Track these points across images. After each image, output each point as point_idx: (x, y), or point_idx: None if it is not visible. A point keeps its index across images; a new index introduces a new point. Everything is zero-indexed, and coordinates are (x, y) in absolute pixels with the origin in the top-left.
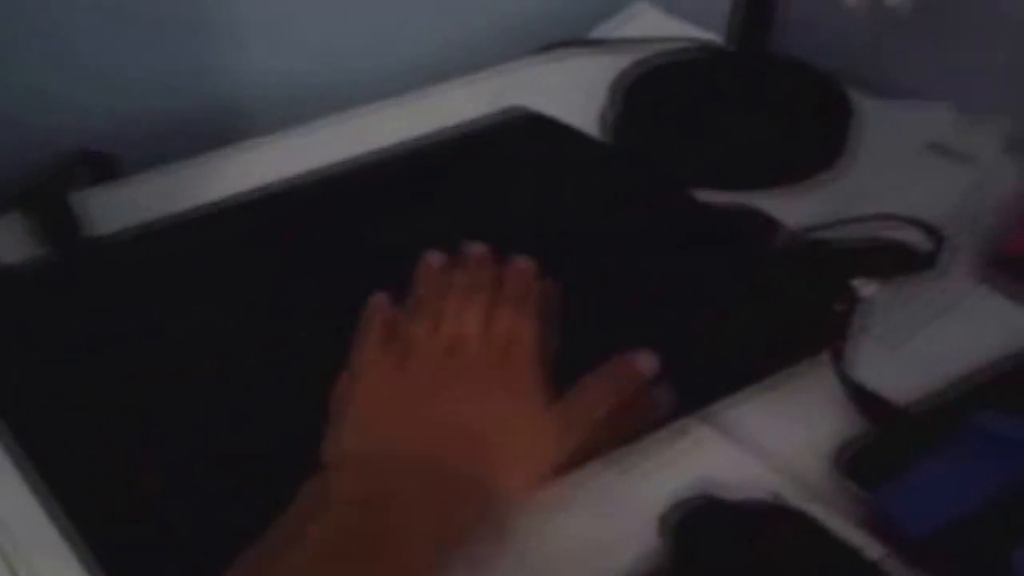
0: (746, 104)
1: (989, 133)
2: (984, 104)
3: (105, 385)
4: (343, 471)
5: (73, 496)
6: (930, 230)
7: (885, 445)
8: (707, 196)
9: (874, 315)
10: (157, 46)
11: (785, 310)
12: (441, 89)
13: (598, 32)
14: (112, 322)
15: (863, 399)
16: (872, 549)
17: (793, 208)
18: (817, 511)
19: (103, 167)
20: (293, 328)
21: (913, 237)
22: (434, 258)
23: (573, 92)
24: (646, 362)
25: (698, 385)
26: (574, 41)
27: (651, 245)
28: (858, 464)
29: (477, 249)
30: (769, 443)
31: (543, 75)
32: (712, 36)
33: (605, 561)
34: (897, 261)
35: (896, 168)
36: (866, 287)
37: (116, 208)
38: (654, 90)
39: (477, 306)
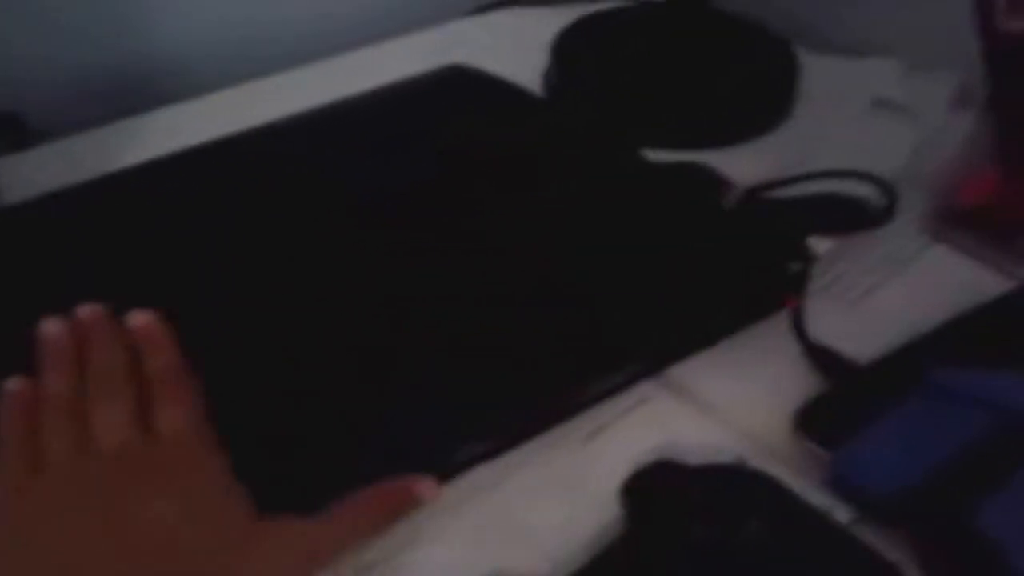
0: (692, 61)
1: (937, 88)
2: (931, 59)
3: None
4: None
5: None
6: (883, 185)
7: (844, 403)
8: (655, 155)
9: (831, 272)
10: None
11: (740, 270)
12: (378, 48)
13: None
14: (28, 293)
15: (821, 357)
16: (838, 512)
17: (743, 166)
18: (781, 473)
19: (9, 128)
20: (224, 292)
21: (866, 193)
22: (53, 329)
23: (515, 51)
24: (427, 489)
25: (654, 349)
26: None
27: (597, 206)
28: (818, 424)
29: (92, 312)
30: (730, 406)
31: (484, 34)
32: None
33: (567, 534)
34: (851, 217)
35: (844, 124)
36: (821, 244)
37: (27, 175)
38: (597, 48)
39: (122, 397)
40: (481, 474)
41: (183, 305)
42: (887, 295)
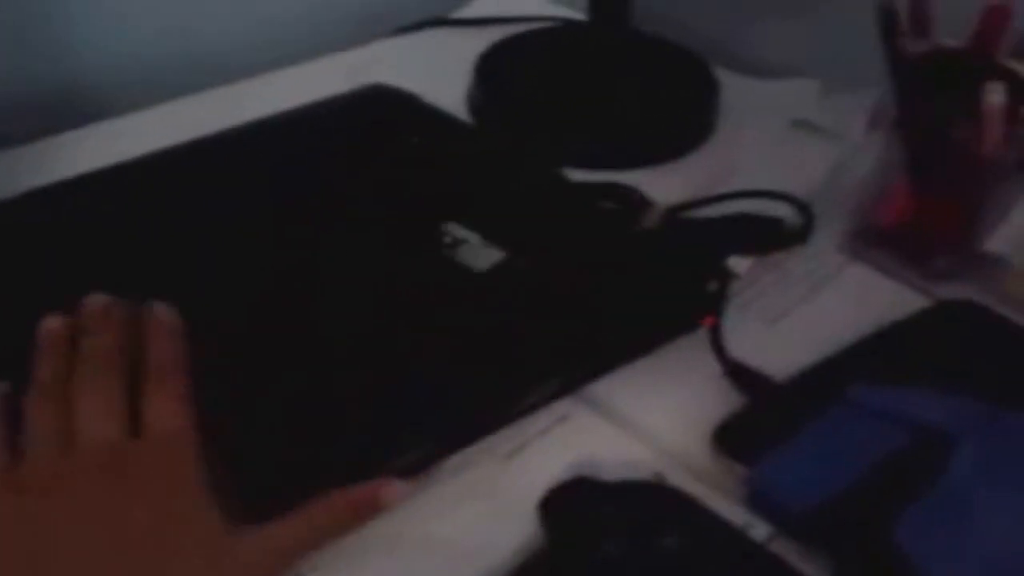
0: (613, 82)
1: (853, 109)
2: (848, 80)
3: None
4: None
5: None
6: (800, 206)
7: (762, 420)
8: (577, 176)
9: (749, 291)
10: None
11: (659, 288)
12: (300, 69)
13: (461, 12)
14: None
15: (740, 375)
16: (757, 529)
17: (663, 186)
18: (699, 490)
19: None
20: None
21: (784, 213)
22: (53, 323)
23: (438, 72)
24: (393, 494)
25: (575, 366)
26: (437, 20)
27: (518, 224)
28: (736, 440)
29: (101, 302)
30: (650, 423)
31: (407, 55)
32: (575, 14)
33: (487, 552)
34: (769, 237)
35: (763, 145)
36: (739, 264)
37: None
38: (520, 69)
39: (110, 392)
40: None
41: None
42: (805, 313)
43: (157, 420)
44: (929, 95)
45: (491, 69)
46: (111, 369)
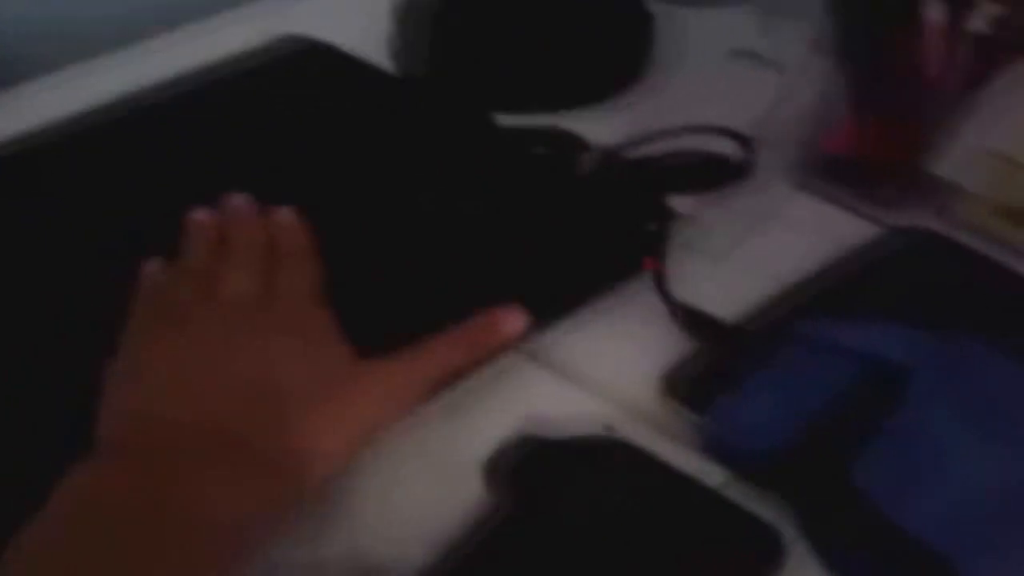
0: (541, 19)
1: (796, 36)
2: (790, 6)
3: None
4: (121, 432)
5: None
6: (741, 139)
7: (712, 364)
8: (509, 121)
9: (693, 230)
10: None
11: (599, 233)
12: (213, 22)
13: None
14: None
15: (687, 317)
16: (712, 475)
17: (600, 127)
18: (651, 440)
19: None
20: (58, 286)
21: (725, 147)
22: (200, 215)
23: (355, 20)
24: (513, 322)
25: None
26: None
27: (452, 176)
28: (687, 387)
29: (240, 201)
30: (596, 374)
31: (321, 3)
32: None
33: (433, 514)
34: (711, 173)
35: (703, 77)
36: (682, 202)
37: None
38: (441, 12)
39: (253, 265)
40: None
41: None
42: (753, 250)
43: (287, 284)
44: (867, 16)
45: (410, 13)
46: (257, 256)
